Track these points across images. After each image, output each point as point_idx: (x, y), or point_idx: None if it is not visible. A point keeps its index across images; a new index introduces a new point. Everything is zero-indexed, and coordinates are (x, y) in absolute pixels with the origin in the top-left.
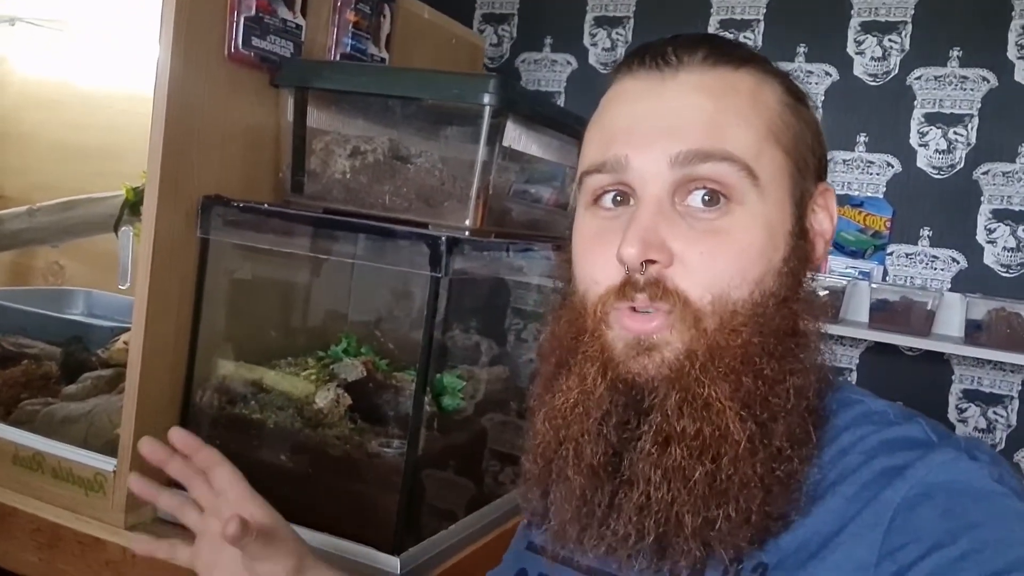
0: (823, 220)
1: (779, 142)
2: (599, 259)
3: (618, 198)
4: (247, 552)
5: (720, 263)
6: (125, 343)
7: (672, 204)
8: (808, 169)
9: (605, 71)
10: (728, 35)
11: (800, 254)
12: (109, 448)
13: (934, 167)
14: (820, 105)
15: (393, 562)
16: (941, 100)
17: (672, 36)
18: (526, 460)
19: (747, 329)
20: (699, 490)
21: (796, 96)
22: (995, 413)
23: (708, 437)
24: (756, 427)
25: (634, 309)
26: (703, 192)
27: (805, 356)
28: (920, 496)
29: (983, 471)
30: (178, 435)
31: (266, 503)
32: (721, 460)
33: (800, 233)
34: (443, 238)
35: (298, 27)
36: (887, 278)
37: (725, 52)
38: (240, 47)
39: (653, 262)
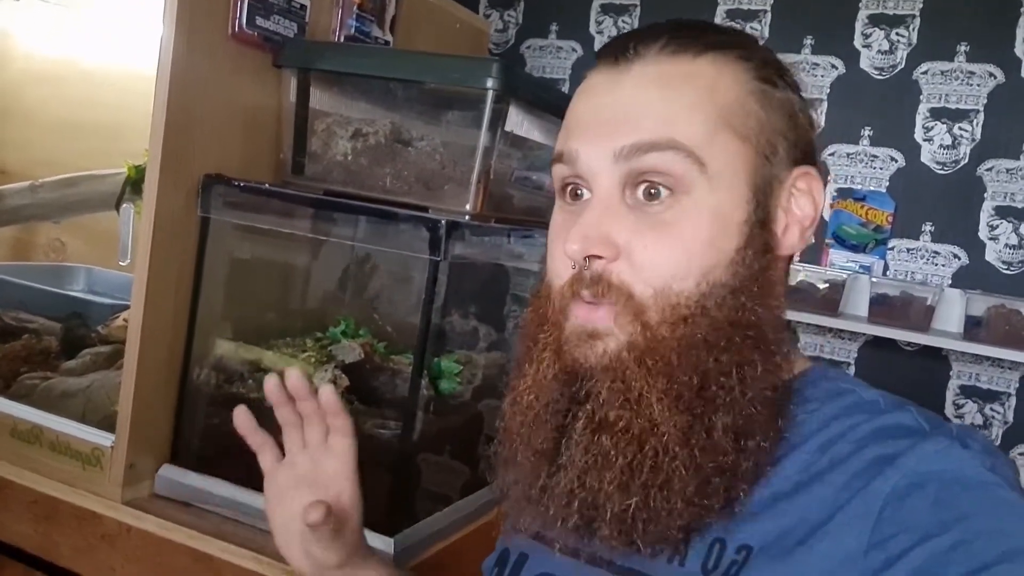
0: (804, 205)
1: (735, 130)
2: (559, 251)
3: (578, 192)
4: (314, 534)
5: (664, 255)
6: (124, 320)
7: (622, 198)
8: (776, 155)
9: None
10: (734, 25)
11: (758, 244)
12: (107, 423)
13: (938, 162)
14: (825, 98)
15: (387, 542)
16: (947, 95)
17: (640, 27)
18: (496, 441)
19: (689, 322)
20: (621, 478)
21: (766, 80)
22: (992, 409)
23: (636, 429)
24: (692, 419)
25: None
26: (647, 187)
27: (758, 347)
28: (911, 486)
29: (975, 460)
30: (327, 394)
31: (358, 487)
32: (647, 451)
33: (760, 222)
34: (443, 222)
35: (302, 7)
36: (887, 273)
37: (685, 40)
38: (244, 26)
39: (598, 257)
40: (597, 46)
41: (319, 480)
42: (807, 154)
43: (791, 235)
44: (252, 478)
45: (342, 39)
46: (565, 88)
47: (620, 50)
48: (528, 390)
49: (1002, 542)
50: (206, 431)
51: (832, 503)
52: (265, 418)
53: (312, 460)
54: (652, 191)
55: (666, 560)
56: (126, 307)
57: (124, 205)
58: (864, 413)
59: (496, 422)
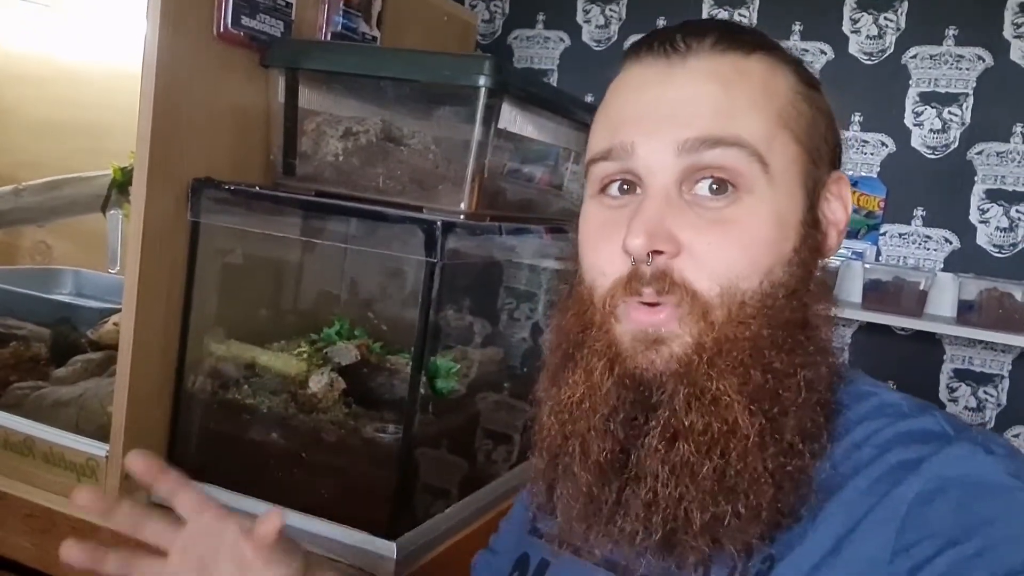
0: (837, 209)
1: (791, 130)
2: (605, 250)
3: (624, 187)
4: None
5: (729, 253)
6: (115, 324)
7: (679, 193)
8: (821, 158)
9: (598, 48)
10: (725, 14)
11: (811, 244)
12: (101, 433)
13: (928, 147)
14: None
15: (389, 547)
16: (936, 79)
17: (682, 23)
18: (532, 455)
19: (756, 321)
20: (707, 486)
21: (809, 84)
22: (985, 392)
23: (716, 432)
24: (766, 421)
25: (642, 302)
26: (710, 181)
27: (815, 348)
28: (935, 491)
29: (999, 465)
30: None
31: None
32: (730, 455)
33: (812, 223)
34: (438, 223)
35: (288, 5)
36: (880, 258)
37: (735, 38)
38: (229, 26)
39: (660, 253)
40: (585, 36)
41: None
42: (837, 159)
43: (831, 238)
44: (251, 484)
45: (329, 36)
46: (553, 79)
47: (668, 43)
48: (581, 399)
49: None
50: (202, 438)
51: (856, 509)
52: (261, 427)
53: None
54: (716, 186)
55: (691, 570)
56: (116, 310)
57: (111, 211)
58: (887, 417)
59: (532, 433)
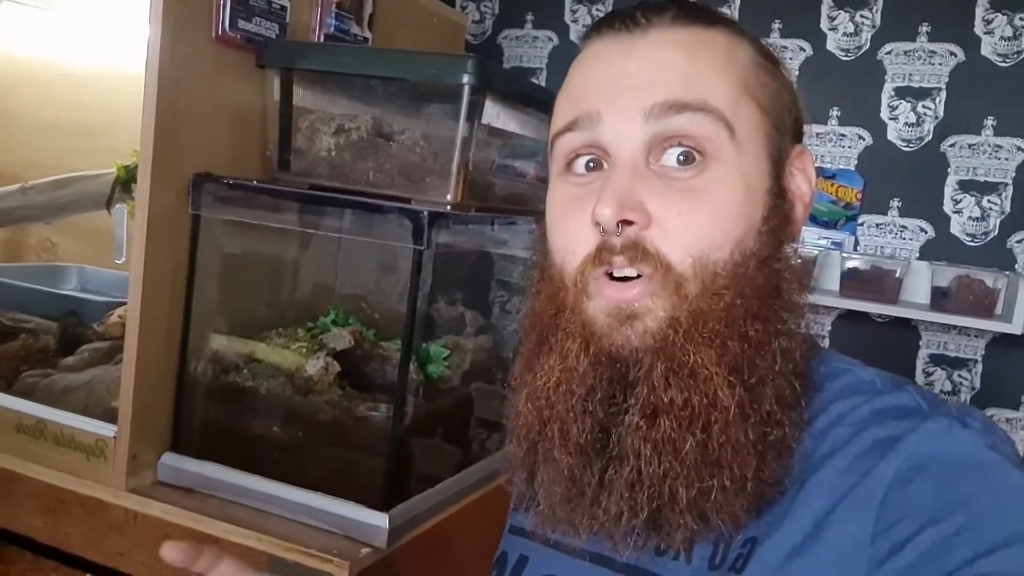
0: (801, 183)
1: (754, 98)
2: (573, 226)
3: (591, 164)
4: None
5: (700, 223)
6: (120, 317)
7: (647, 164)
8: (785, 128)
9: None
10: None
11: (780, 213)
12: (108, 416)
13: (903, 140)
14: (795, 80)
15: (382, 518)
16: (910, 74)
17: (639, 3)
18: (509, 444)
19: (729, 291)
20: (691, 461)
21: (769, 58)
22: (960, 376)
23: (697, 406)
24: (745, 392)
25: (611, 275)
26: (679, 151)
27: (789, 318)
28: (913, 469)
29: (977, 440)
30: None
31: None
32: (712, 429)
33: (779, 192)
34: (424, 212)
35: (283, 8)
36: (858, 247)
37: (695, 12)
38: (227, 29)
39: (630, 223)
40: (572, 35)
41: None
42: (799, 133)
43: (797, 210)
44: (251, 462)
45: (322, 38)
46: (542, 77)
47: (628, 18)
48: (557, 382)
49: (1007, 525)
50: (205, 419)
51: (836, 489)
52: (260, 408)
53: None
54: (683, 156)
55: (672, 557)
56: (120, 304)
57: (117, 205)
58: (862, 394)
59: (505, 420)
